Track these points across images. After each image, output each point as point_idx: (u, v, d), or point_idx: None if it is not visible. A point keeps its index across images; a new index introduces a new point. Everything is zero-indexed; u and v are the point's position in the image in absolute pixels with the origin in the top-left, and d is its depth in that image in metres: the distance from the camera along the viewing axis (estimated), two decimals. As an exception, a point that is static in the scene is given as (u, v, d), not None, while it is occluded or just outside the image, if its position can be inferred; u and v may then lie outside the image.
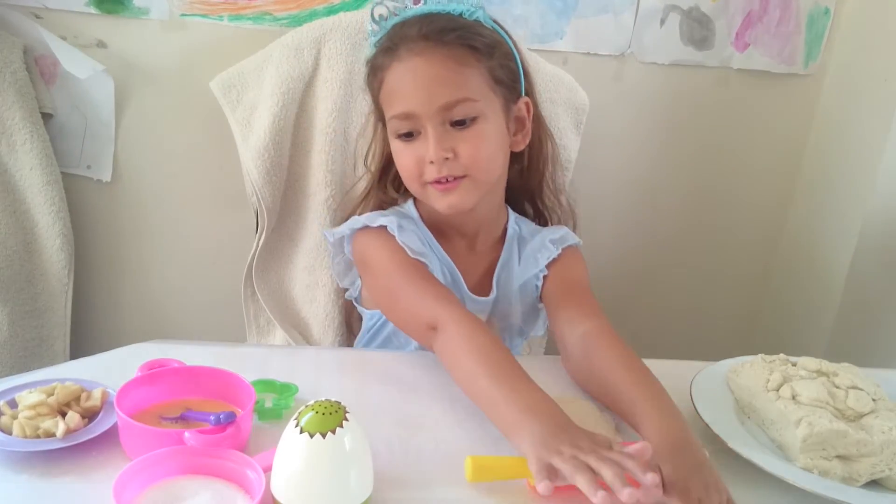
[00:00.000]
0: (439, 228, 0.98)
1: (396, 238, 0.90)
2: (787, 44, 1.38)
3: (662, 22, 1.32)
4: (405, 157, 0.91)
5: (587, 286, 0.96)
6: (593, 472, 0.61)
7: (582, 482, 0.60)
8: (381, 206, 1.02)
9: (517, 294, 0.99)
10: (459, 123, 0.88)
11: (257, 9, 1.21)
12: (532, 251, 0.98)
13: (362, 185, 1.07)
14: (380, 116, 0.97)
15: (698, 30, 1.34)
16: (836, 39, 1.39)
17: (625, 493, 0.58)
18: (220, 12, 1.21)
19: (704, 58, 1.36)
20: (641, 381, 0.76)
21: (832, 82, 1.41)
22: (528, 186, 1.03)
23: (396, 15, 0.91)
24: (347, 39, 1.13)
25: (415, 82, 0.87)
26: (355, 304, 1.07)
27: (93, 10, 1.18)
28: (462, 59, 0.88)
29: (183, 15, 1.20)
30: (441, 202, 0.91)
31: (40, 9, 1.18)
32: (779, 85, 1.41)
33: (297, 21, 1.21)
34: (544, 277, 0.97)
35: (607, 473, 0.60)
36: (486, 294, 0.99)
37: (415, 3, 0.90)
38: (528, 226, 1.02)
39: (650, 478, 0.60)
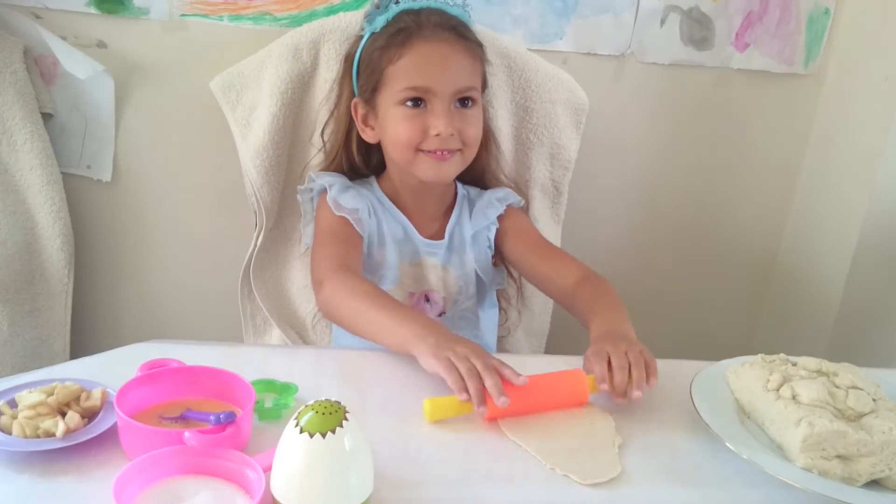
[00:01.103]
0: (396, 196, 1.09)
1: (329, 194, 1.03)
2: (787, 44, 1.38)
3: (662, 22, 1.32)
4: (407, 126, 0.99)
5: (546, 239, 1.14)
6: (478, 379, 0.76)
7: (471, 386, 0.75)
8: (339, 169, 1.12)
9: (470, 242, 1.10)
10: (462, 105, 1.00)
11: (257, 9, 1.21)
12: (481, 207, 1.11)
13: (318, 159, 1.15)
14: (347, 90, 1.06)
15: (698, 30, 1.34)
16: (836, 39, 1.39)
17: (501, 401, 0.74)
18: (220, 12, 1.21)
19: (704, 58, 1.36)
20: (605, 300, 0.97)
21: (832, 82, 1.41)
22: (473, 169, 1.12)
23: (397, 2, 1.00)
24: (347, 40, 1.13)
25: (440, 63, 0.98)
26: None
27: (93, 10, 1.18)
28: (475, 55, 1.03)
29: (183, 15, 1.20)
30: (431, 170, 1.01)
31: (40, 9, 1.18)
32: (779, 85, 1.41)
33: (296, 21, 1.21)
34: (501, 236, 1.11)
35: (489, 380, 0.75)
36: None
37: None
38: (473, 190, 1.15)
39: (522, 379, 0.77)
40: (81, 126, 1.25)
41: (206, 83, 1.17)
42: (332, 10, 1.21)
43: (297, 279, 1.23)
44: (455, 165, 1.03)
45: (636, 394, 0.79)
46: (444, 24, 0.99)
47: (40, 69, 1.21)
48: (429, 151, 0.99)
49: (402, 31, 0.98)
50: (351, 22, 1.14)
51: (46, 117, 1.22)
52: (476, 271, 1.12)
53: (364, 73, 1.02)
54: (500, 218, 1.11)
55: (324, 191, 1.06)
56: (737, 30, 1.35)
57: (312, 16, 1.21)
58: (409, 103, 0.98)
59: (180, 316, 1.39)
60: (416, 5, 1.00)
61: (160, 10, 1.19)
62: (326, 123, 1.12)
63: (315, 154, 1.17)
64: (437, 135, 0.98)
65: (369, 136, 1.05)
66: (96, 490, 0.62)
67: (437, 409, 0.77)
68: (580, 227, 1.32)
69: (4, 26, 1.18)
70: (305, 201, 1.11)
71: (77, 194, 1.27)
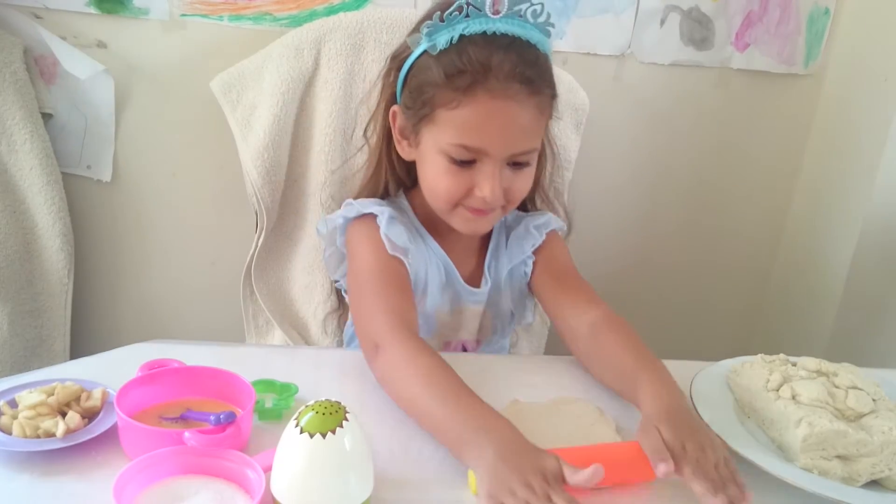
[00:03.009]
0: (431, 222, 0.97)
1: (381, 230, 0.90)
2: (787, 44, 1.38)
3: (662, 22, 1.32)
4: (450, 181, 0.88)
5: (576, 270, 0.98)
6: None
7: None
8: (380, 188, 0.99)
9: (507, 280, 1.00)
10: (515, 165, 0.88)
11: (257, 9, 1.21)
12: (517, 238, 0.99)
13: (360, 159, 1.04)
14: (389, 91, 0.94)
15: (698, 30, 1.34)
16: (836, 39, 1.39)
17: None
18: (220, 12, 1.21)
19: (704, 58, 1.36)
20: (644, 359, 0.80)
21: (832, 82, 1.41)
22: None
23: (468, 16, 0.83)
24: (347, 40, 1.13)
25: (501, 125, 0.84)
26: (343, 294, 1.07)
27: (93, 10, 1.18)
28: (545, 110, 0.89)
29: (183, 15, 1.20)
30: (467, 226, 0.92)
31: (40, 9, 1.18)
32: (779, 85, 1.41)
33: (296, 21, 1.21)
34: (533, 264, 0.99)
35: None
36: (479, 284, 1.00)
37: (493, 13, 0.83)
38: (511, 213, 1.02)
39: (594, 477, 0.63)
40: (81, 126, 1.25)
41: (206, 83, 1.17)
42: (332, 10, 1.21)
43: (299, 279, 1.24)
44: (493, 221, 0.93)
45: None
46: (517, 74, 0.82)
47: (40, 69, 1.21)
48: (468, 207, 0.89)
49: (466, 74, 0.82)
50: (352, 22, 1.14)
51: (46, 117, 1.22)
52: (511, 312, 1.02)
53: (411, 93, 0.89)
54: (536, 249, 0.99)
55: (360, 217, 0.93)
56: (737, 30, 1.35)
57: (312, 16, 1.21)
58: (456, 160, 0.86)
59: (180, 316, 1.39)
60: (489, 28, 0.83)
61: (160, 10, 1.19)
62: (368, 123, 0.99)
63: (354, 154, 1.08)
64: (483, 197, 0.87)
65: (404, 152, 0.93)
66: (96, 490, 0.62)
67: None
68: (580, 227, 1.31)
69: (4, 26, 1.18)
70: (332, 231, 0.97)
71: (77, 194, 1.27)
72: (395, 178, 0.98)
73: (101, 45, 1.21)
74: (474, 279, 1.00)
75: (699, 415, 0.76)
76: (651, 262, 1.51)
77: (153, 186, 1.30)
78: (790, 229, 1.52)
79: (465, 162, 0.86)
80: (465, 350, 1.04)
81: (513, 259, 0.99)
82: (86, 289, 1.33)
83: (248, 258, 1.20)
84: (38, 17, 1.19)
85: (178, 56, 1.23)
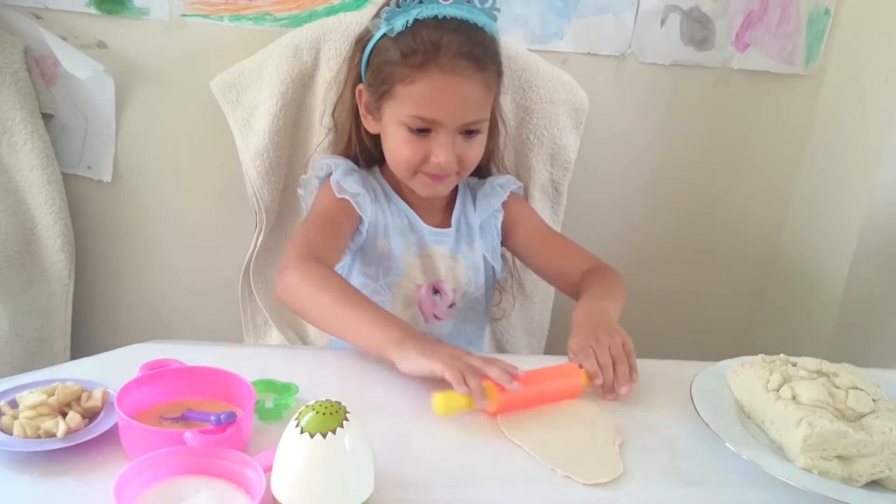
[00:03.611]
0: (399, 189, 1.07)
1: (333, 175, 1.02)
2: (787, 44, 1.38)
3: (662, 22, 1.32)
4: (409, 149, 0.98)
5: (552, 229, 1.15)
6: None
7: (471, 381, 0.75)
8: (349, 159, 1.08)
9: (478, 231, 1.10)
10: (467, 134, 0.99)
11: (257, 9, 1.21)
12: (484, 195, 1.10)
13: (328, 140, 1.14)
14: (355, 72, 1.03)
15: (698, 30, 1.34)
16: (836, 39, 1.39)
17: (512, 386, 0.76)
18: (221, 13, 1.21)
19: (704, 58, 1.36)
20: (600, 283, 0.99)
21: (832, 82, 1.41)
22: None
23: (421, 2, 0.94)
24: (347, 40, 1.13)
25: (452, 97, 0.95)
26: None
27: (93, 10, 1.18)
28: (491, 85, 0.99)
29: (183, 15, 1.20)
30: (427, 189, 1.02)
31: (40, 9, 1.18)
32: (779, 85, 1.41)
33: (296, 21, 1.21)
34: (508, 226, 1.12)
35: (493, 371, 0.77)
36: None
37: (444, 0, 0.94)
38: (473, 179, 1.14)
39: (517, 371, 0.78)
40: (82, 126, 1.25)
41: (206, 83, 1.17)
42: (332, 11, 1.21)
43: (298, 279, 1.23)
44: (450, 185, 1.04)
45: (624, 390, 0.82)
46: (465, 52, 0.93)
47: (41, 69, 1.21)
48: (426, 173, 1.00)
49: (418, 53, 0.93)
50: (351, 22, 1.14)
51: (47, 118, 1.22)
52: (485, 258, 1.11)
53: (373, 72, 0.99)
54: (503, 206, 1.11)
55: (329, 175, 1.04)
56: (737, 30, 1.35)
57: (312, 16, 1.21)
58: (413, 129, 0.97)
59: (180, 316, 1.39)
60: (439, 13, 0.94)
61: (160, 11, 1.20)
62: (336, 103, 1.09)
63: (325, 137, 1.15)
64: (438, 163, 0.97)
65: (370, 126, 1.04)
66: (97, 490, 0.62)
67: (448, 403, 0.76)
68: (580, 227, 1.32)
69: (5, 26, 1.18)
70: (309, 193, 1.08)
71: (77, 195, 1.27)
72: (365, 154, 1.08)
73: (102, 45, 1.21)
74: (441, 227, 1.09)
75: (696, 408, 0.77)
76: (650, 262, 1.50)
77: (153, 186, 1.30)
78: (790, 229, 1.52)
79: (422, 131, 0.97)
80: (436, 292, 1.09)
81: (483, 213, 1.10)
82: (86, 289, 1.33)
83: (247, 258, 1.20)
84: (38, 17, 1.19)
85: (178, 56, 1.23)
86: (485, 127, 1.01)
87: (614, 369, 0.83)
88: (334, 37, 1.14)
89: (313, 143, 1.18)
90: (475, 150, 1.01)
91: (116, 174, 1.28)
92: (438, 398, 0.76)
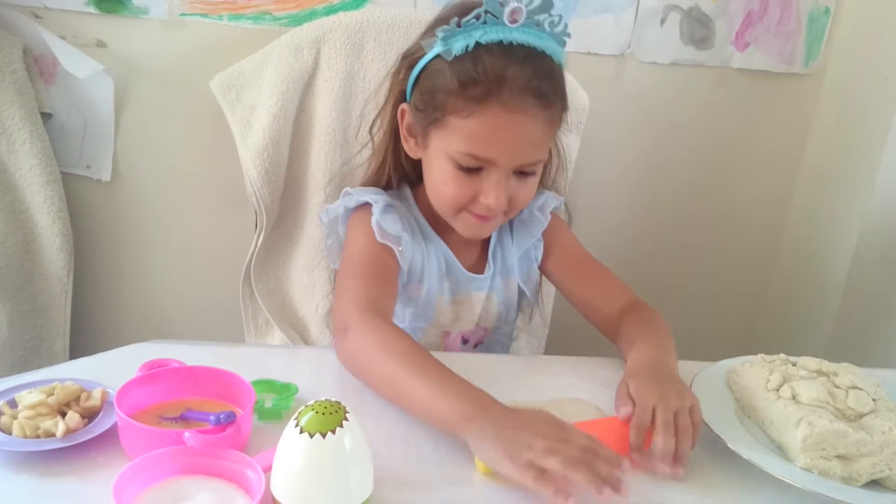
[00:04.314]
0: (433, 218, 0.98)
1: (373, 217, 0.91)
2: (787, 44, 1.38)
3: (662, 22, 1.32)
4: (456, 187, 0.88)
5: (590, 255, 1.04)
6: (585, 468, 0.63)
7: (581, 478, 0.62)
8: (382, 182, 1.00)
9: (517, 265, 1.02)
10: (521, 174, 0.89)
11: (257, 8, 1.21)
12: (522, 223, 1.01)
13: (363, 157, 1.04)
14: (398, 89, 0.94)
15: (698, 29, 1.34)
16: (836, 39, 1.39)
17: (605, 494, 0.61)
18: (220, 12, 1.21)
19: (704, 58, 1.36)
20: (651, 331, 0.88)
21: (832, 82, 1.41)
22: None
23: (485, 22, 0.82)
24: (347, 39, 1.13)
25: (510, 138, 0.85)
26: None
27: (92, 9, 1.18)
28: (555, 122, 0.89)
29: (183, 15, 1.20)
30: (470, 231, 0.93)
31: (40, 8, 1.18)
32: (779, 85, 1.41)
33: (296, 21, 1.21)
34: (544, 251, 1.02)
35: (604, 469, 0.63)
36: (482, 272, 1.01)
37: (511, 22, 0.82)
38: None
39: (625, 464, 0.65)
40: (81, 126, 1.25)
41: (206, 83, 1.17)
42: (332, 10, 1.21)
43: (298, 279, 1.23)
44: (495, 226, 0.96)
45: (677, 472, 0.70)
46: (532, 88, 0.82)
47: (40, 69, 1.21)
48: (472, 212, 0.90)
49: (479, 85, 0.82)
50: (351, 22, 1.14)
51: (46, 117, 1.22)
52: (519, 287, 1.04)
53: (423, 96, 0.88)
54: (543, 233, 1.02)
55: (360, 207, 0.95)
56: (737, 29, 1.35)
57: (312, 15, 1.21)
58: (463, 167, 0.87)
59: (180, 316, 1.39)
60: (505, 37, 0.82)
61: (160, 10, 1.19)
62: (375, 119, 0.99)
63: (359, 151, 1.08)
64: (487, 205, 0.87)
65: (412, 151, 0.94)
66: (96, 490, 0.62)
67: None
68: (579, 227, 1.31)
69: (4, 26, 1.17)
70: (332, 220, 0.99)
71: (77, 194, 1.27)
72: (399, 174, 0.98)
73: (101, 44, 1.21)
74: (477, 268, 1.01)
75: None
76: (651, 262, 1.51)
77: (152, 186, 1.30)
78: (790, 229, 1.52)
79: (472, 169, 0.87)
80: (465, 342, 1.04)
81: (522, 244, 1.01)
82: (86, 289, 1.33)
83: (248, 258, 1.20)
84: (37, 16, 1.18)
85: (177, 56, 1.23)
86: (541, 168, 0.92)
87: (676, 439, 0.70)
88: (334, 36, 1.14)
89: (314, 143, 1.18)
90: (528, 192, 0.91)
91: (115, 173, 1.28)
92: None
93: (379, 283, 0.88)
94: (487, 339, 1.05)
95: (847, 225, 1.36)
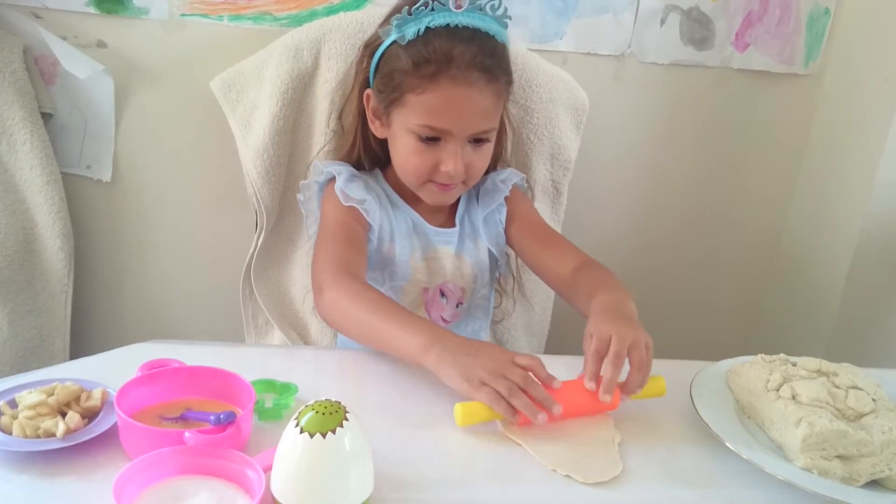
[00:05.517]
0: (403, 190, 1.07)
1: (336, 184, 1.01)
2: (787, 44, 1.38)
3: (662, 22, 1.32)
4: (418, 158, 0.98)
5: (548, 225, 1.14)
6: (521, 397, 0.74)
7: (519, 405, 0.73)
8: (352, 161, 1.08)
9: (482, 227, 1.10)
10: (476, 142, 0.99)
11: (257, 9, 1.21)
12: (486, 191, 1.10)
13: (331, 144, 1.13)
14: (363, 76, 1.03)
15: (698, 30, 1.34)
16: (836, 39, 1.39)
17: (555, 410, 0.75)
18: (220, 12, 1.21)
19: (704, 58, 1.36)
20: (608, 283, 0.95)
21: (832, 82, 1.41)
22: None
23: (433, 10, 0.93)
24: (347, 40, 1.13)
25: (461, 109, 0.95)
26: None
27: (93, 9, 1.18)
28: (501, 94, 0.99)
29: (183, 15, 1.20)
30: (434, 198, 1.02)
31: (40, 8, 1.18)
32: (779, 85, 1.41)
33: (297, 21, 1.21)
34: (507, 219, 1.11)
35: (537, 393, 0.75)
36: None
37: (456, 7, 0.93)
38: None
39: (556, 383, 0.77)
40: (81, 126, 1.25)
41: (206, 83, 1.17)
42: (332, 10, 1.21)
43: (298, 280, 1.23)
44: (457, 193, 1.04)
45: (615, 401, 0.79)
46: (477, 63, 0.93)
47: (40, 69, 1.21)
48: (435, 182, 0.99)
49: (430, 63, 0.93)
50: (352, 22, 1.14)
51: (46, 117, 1.22)
52: (490, 252, 1.10)
53: (383, 79, 0.99)
54: (505, 199, 1.11)
55: (330, 181, 1.04)
56: (737, 30, 1.35)
57: (312, 16, 1.21)
58: (423, 138, 0.96)
59: (180, 316, 1.39)
60: (452, 21, 0.93)
61: (160, 10, 1.19)
62: (344, 107, 1.09)
63: (329, 140, 1.14)
64: (447, 172, 0.97)
65: (378, 131, 1.03)
66: (96, 490, 0.62)
67: (471, 413, 0.75)
68: (580, 227, 1.32)
69: (4, 26, 1.17)
70: (308, 199, 1.08)
71: (77, 194, 1.27)
72: (369, 156, 1.08)
73: (101, 44, 1.21)
74: (445, 226, 1.09)
75: (696, 408, 0.76)
76: (650, 262, 1.51)
77: (153, 186, 1.30)
78: (790, 229, 1.52)
79: (431, 140, 0.96)
80: (442, 294, 1.08)
81: (486, 207, 1.09)
82: (86, 289, 1.33)
83: (248, 258, 1.20)
84: (38, 16, 1.19)
85: (178, 56, 1.23)
86: (493, 136, 1.01)
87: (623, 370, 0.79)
88: (335, 36, 1.14)
89: (314, 143, 1.18)
90: (483, 159, 1.01)
91: (116, 174, 1.28)
92: (460, 409, 0.75)
93: (348, 247, 0.97)
94: (467, 300, 1.11)
95: (847, 225, 1.36)
